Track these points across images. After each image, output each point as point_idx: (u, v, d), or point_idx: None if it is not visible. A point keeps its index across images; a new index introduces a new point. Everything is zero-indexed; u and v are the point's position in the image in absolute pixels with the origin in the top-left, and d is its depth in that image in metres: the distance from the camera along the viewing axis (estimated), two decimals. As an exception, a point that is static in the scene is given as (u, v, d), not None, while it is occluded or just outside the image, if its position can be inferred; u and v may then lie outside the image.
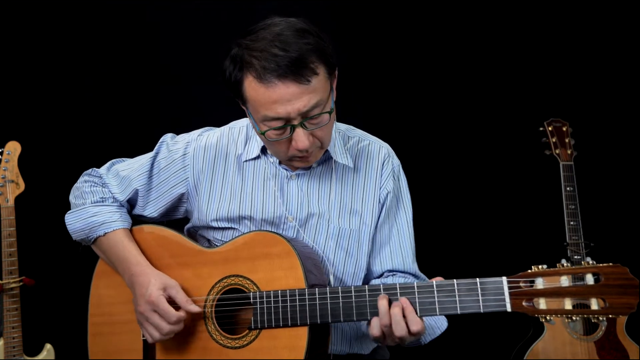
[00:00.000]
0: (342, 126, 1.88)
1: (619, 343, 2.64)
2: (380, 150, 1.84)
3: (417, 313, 1.50)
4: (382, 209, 1.80)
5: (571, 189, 2.75)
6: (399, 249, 1.81)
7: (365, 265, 1.78)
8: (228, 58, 1.61)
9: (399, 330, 1.50)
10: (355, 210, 1.78)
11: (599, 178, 3.04)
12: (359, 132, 1.89)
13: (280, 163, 1.78)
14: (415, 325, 1.49)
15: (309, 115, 1.57)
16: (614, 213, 3.06)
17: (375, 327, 1.54)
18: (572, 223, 2.71)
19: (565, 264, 1.37)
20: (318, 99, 1.57)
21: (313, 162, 1.73)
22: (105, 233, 1.80)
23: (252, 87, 1.56)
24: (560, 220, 2.74)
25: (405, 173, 1.89)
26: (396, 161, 1.86)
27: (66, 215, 1.87)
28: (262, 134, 1.60)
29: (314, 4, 2.77)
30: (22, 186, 2.63)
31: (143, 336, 1.73)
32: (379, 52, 3.13)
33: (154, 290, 1.65)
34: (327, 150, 1.76)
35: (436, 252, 2.77)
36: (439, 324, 1.74)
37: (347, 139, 1.84)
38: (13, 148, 2.64)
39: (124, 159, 1.93)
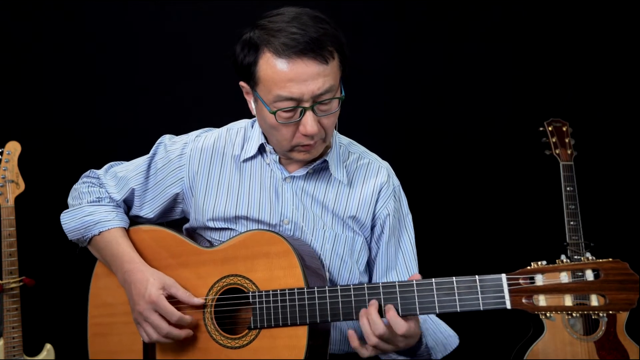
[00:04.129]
0: (345, 140, 1.87)
1: (619, 343, 2.64)
2: (379, 170, 1.82)
3: (398, 313, 1.49)
4: (382, 229, 1.79)
5: (571, 189, 2.75)
6: (405, 270, 1.81)
7: (358, 274, 1.78)
8: (240, 42, 1.62)
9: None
10: (347, 223, 1.77)
11: (599, 178, 3.04)
12: (361, 149, 1.88)
13: (279, 161, 1.77)
14: (377, 329, 1.48)
15: (320, 100, 1.57)
16: (614, 213, 3.06)
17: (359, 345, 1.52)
18: (572, 223, 2.71)
19: (564, 260, 1.36)
20: (331, 83, 1.57)
21: (315, 155, 1.71)
22: (100, 232, 1.80)
23: (268, 64, 1.56)
24: (560, 220, 2.74)
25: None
26: (396, 181, 1.85)
27: (62, 215, 1.87)
28: (272, 113, 1.59)
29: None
30: (22, 186, 2.63)
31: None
32: (377, 50, 3.13)
33: (154, 290, 1.65)
34: (325, 160, 1.75)
35: (437, 253, 2.77)
36: (450, 341, 1.75)
37: (347, 155, 1.83)
38: (13, 148, 2.65)
39: (122, 161, 1.94)
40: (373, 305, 1.50)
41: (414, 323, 1.51)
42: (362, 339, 1.53)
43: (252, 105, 1.71)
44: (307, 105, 1.57)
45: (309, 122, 1.58)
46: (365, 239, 1.79)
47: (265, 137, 1.77)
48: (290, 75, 1.54)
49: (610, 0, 3.08)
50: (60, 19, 2.98)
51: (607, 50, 3.11)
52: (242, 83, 1.68)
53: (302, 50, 1.52)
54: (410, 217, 1.86)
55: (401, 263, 1.81)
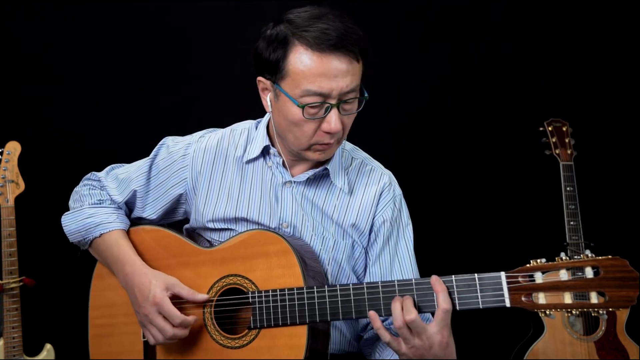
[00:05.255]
0: (348, 145, 1.86)
1: (619, 343, 2.63)
2: (381, 177, 1.80)
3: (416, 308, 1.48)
4: (376, 237, 1.76)
5: (571, 189, 2.75)
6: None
7: (356, 281, 1.76)
8: (265, 37, 1.60)
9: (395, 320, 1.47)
10: (347, 232, 1.75)
11: (599, 178, 3.04)
12: (363, 155, 1.86)
13: (283, 164, 1.76)
14: (409, 314, 1.45)
15: (345, 98, 1.57)
16: (614, 213, 3.06)
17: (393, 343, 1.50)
18: (572, 223, 2.71)
19: (564, 258, 1.36)
20: (357, 83, 1.58)
21: (330, 155, 1.71)
22: (101, 234, 1.80)
23: (300, 58, 1.54)
24: (560, 220, 2.73)
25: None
26: (398, 190, 1.82)
27: (63, 217, 1.87)
28: (301, 107, 1.57)
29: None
30: (22, 186, 2.63)
31: (144, 337, 1.72)
32: (378, 50, 3.13)
33: (158, 291, 1.64)
34: (326, 169, 1.74)
35: (436, 252, 2.77)
36: None
37: (350, 160, 1.81)
38: (13, 148, 2.65)
39: (123, 164, 1.94)
40: (409, 299, 1.48)
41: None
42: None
43: (267, 103, 1.68)
44: (333, 102, 1.56)
45: (334, 119, 1.57)
46: (364, 248, 1.77)
47: (270, 140, 1.77)
48: (321, 69, 1.53)
49: (610, 0, 3.08)
50: (60, 19, 2.98)
51: (607, 50, 3.11)
52: (260, 78, 1.65)
53: (335, 45, 1.52)
54: (410, 227, 1.82)
55: (397, 273, 1.77)
